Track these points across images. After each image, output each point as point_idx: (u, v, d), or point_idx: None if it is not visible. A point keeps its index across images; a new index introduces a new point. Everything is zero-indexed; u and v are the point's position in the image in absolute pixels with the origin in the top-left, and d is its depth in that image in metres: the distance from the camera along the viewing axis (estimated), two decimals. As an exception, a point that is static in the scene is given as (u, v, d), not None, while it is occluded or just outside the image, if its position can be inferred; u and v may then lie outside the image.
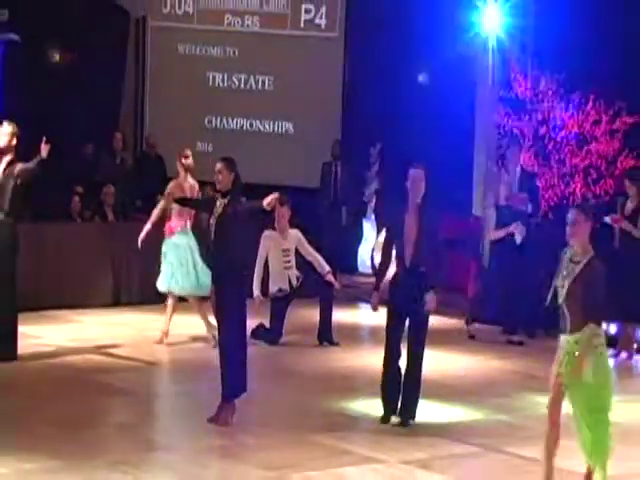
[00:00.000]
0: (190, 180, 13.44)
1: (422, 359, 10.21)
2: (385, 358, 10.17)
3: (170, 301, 13.38)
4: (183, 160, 13.37)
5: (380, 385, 10.14)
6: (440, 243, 10.34)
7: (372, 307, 10.40)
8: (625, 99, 15.54)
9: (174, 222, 13.24)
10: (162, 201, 13.36)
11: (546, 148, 15.99)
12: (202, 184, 15.33)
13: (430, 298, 9.96)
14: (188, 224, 13.36)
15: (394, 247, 10.22)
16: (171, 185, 13.27)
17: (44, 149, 12.11)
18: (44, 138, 12.24)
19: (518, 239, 14.22)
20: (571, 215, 7.90)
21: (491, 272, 15.05)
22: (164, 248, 13.31)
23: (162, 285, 13.33)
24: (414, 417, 10.08)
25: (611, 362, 13.44)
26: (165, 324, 13.34)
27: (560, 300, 7.85)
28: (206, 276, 12.72)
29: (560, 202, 15.69)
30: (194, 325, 13.79)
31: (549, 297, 7.91)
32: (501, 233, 14.25)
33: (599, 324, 7.92)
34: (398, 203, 10.41)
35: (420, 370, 10.19)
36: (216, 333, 11.04)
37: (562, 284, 7.86)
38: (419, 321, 10.12)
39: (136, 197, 17.56)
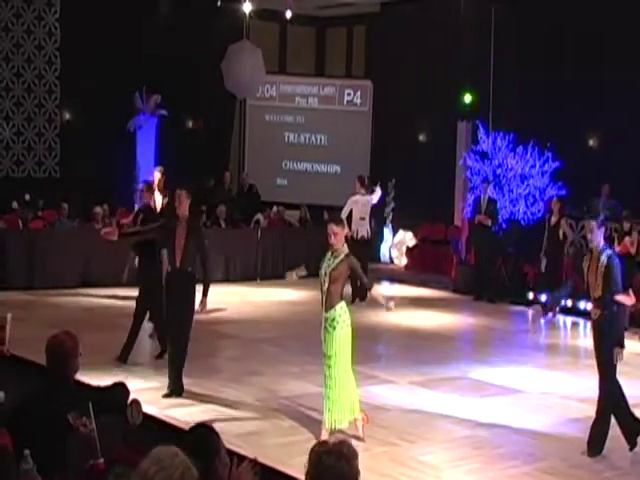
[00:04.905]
0: None
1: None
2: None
3: None
4: None
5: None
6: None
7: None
8: (551, 151, 15.40)
9: None
10: None
11: (501, 183, 15.85)
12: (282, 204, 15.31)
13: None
14: None
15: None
16: None
17: None
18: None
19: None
20: (330, 228, 7.08)
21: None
22: None
23: None
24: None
25: (542, 319, 13.45)
26: None
27: (326, 286, 7.04)
28: None
29: (510, 217, 15.63)
30: (276, 294, 13.80)
31: None
32: None
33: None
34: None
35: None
36: None
37: (325, 272, 7.05)
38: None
39: (239, 213, 17.59)
